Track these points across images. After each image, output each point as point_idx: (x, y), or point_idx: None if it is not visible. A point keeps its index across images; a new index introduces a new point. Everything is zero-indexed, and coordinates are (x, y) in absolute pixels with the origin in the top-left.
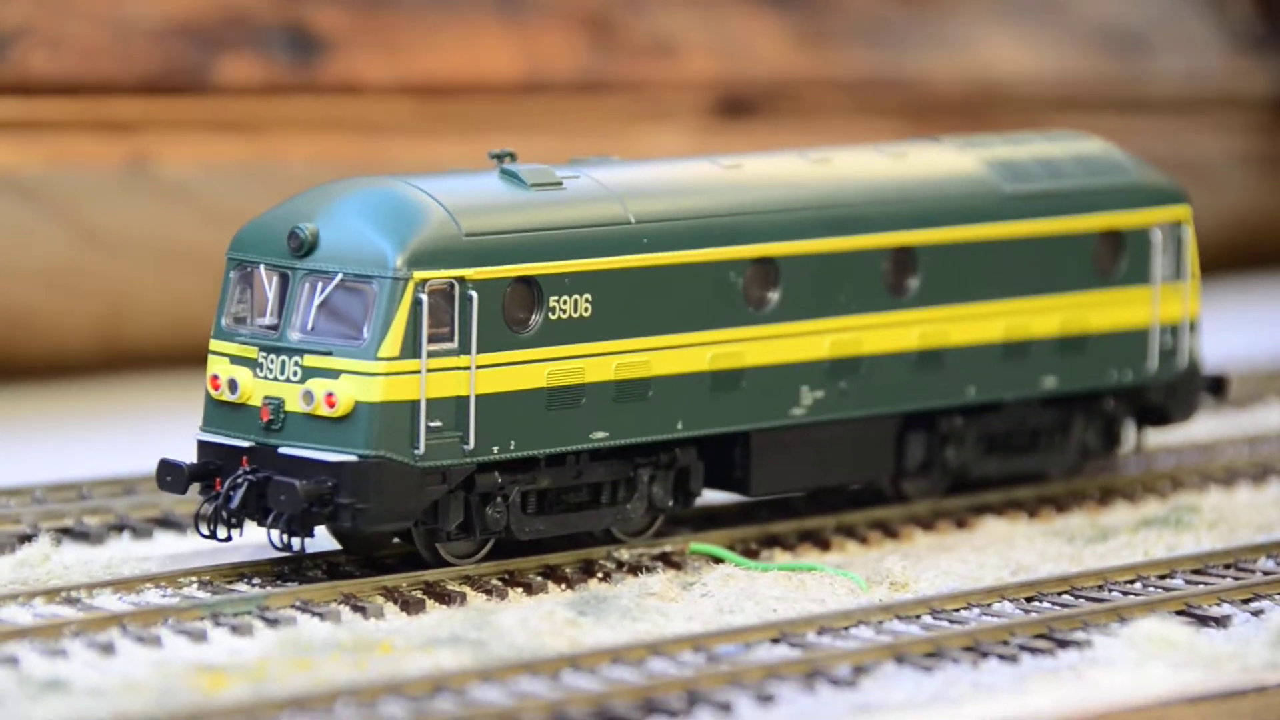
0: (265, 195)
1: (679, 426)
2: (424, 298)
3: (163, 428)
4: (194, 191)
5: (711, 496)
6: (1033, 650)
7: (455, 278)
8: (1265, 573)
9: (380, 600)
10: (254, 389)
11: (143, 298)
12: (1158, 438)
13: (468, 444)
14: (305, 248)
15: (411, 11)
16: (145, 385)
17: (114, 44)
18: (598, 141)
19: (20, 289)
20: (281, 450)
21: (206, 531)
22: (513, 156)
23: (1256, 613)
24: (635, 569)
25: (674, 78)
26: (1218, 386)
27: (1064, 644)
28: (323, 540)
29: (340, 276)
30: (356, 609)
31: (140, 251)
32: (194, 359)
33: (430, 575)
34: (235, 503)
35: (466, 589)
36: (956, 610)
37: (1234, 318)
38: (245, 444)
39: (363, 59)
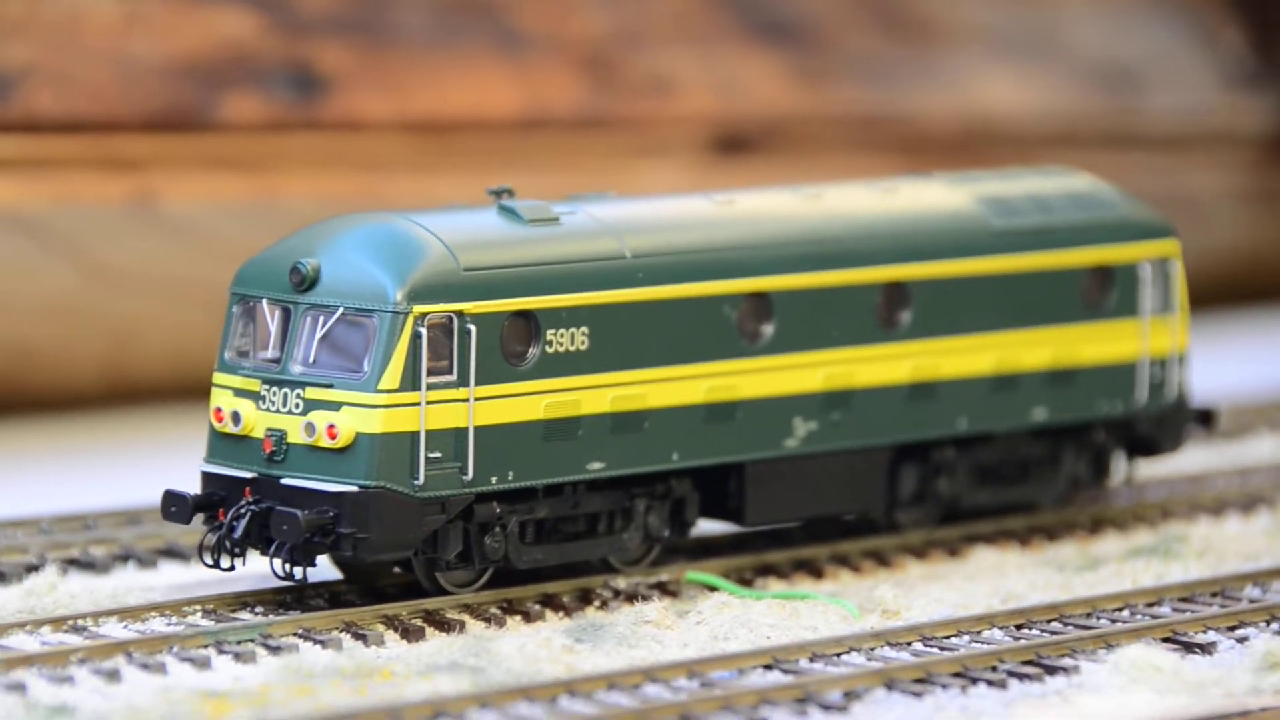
0: (268, 231)
1: (674, 458)
2: (423, 331)
3: (167, 460)
4: (198, 228)
5: (707, 526)
6: (1021, 676)
7: (454, 311)
8: (1251, 600)
9: (381, 628)
10: (257, 421)
11: (147, 332)
12: (1148, 469)
13: (466, 475)
14: (307, 282)
15: (412, 50)
16: (150, 418)
17: (119, 82)
18: (597, 178)
19: (26, 325)
20: (284, 481)
21: (210, 561)
22: (510, 192)
23: (1241, 639)
24: (632, 597)
25: (672, 115)
26: (1206, 418)
27: (1051, 670)
28: (324, 569)
29: (341, 310)
30: (357, 636)
31: (145, 287)
32: (198, 392)
33: (430, 603)
34: (238, 533)
35: (466, 617)
36: (946, 637)
37: (1226, 351)
38: (248, 475)
39: (364, 97)
